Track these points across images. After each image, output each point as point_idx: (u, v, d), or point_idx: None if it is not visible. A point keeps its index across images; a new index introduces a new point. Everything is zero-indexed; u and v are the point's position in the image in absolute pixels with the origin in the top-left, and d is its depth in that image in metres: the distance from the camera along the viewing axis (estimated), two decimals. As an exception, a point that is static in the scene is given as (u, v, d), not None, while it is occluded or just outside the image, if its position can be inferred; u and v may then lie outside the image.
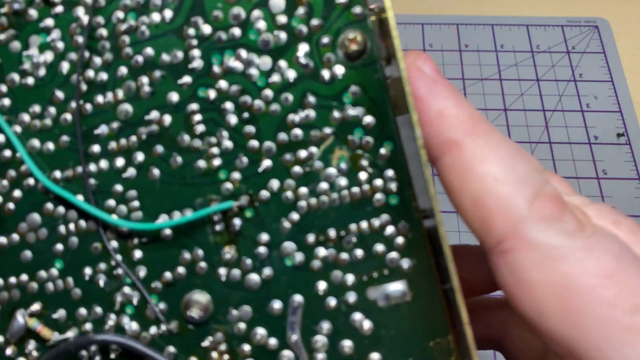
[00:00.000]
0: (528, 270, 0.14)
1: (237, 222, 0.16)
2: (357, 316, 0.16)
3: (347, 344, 0.16)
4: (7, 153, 0.17)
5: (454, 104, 0.15)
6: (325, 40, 0.16)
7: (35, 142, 0.17)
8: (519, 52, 0.47)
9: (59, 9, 0.16)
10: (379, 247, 0.16)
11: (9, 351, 0.17)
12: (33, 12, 0.16)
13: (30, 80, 0.16)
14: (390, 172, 0.16)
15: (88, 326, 0.17)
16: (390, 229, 0.16)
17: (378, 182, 0.16)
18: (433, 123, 0.15)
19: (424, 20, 0.48)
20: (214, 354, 0.16)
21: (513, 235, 0.14)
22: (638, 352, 0.13)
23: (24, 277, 0.17)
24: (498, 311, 0.20)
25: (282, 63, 0.16)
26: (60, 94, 0.16)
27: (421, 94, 0.15)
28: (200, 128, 0.16)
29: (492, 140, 0.15)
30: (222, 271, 0.16)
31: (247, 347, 0.16)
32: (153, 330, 0.16)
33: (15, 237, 0.17)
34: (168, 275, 0.16)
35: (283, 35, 0.16)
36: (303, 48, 0.16)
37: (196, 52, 0.16)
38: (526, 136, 0.43)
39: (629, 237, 0.15)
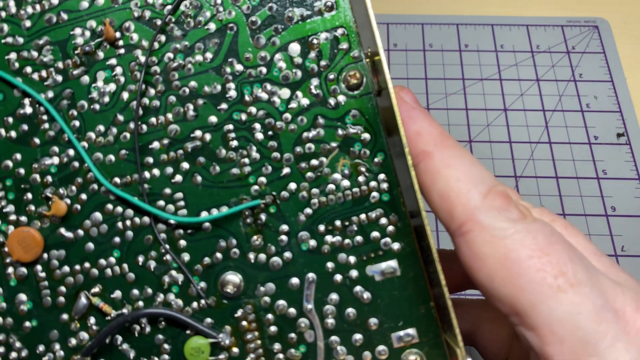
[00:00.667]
0: (481, 246, 0.18)
1: (263, 216, 0.20)
2: (358, 288, 0.20)
3: (351, 311, 0.20)
4: (76, 164, 0.21)
5: (428, 125, 0.20)
6: (331, 76, 0.20)
7: (99, 155, 0.21)
8: (519, 52, 0.46)
9: (121, 50, 0.21)
10: (375, 234, 0.20)
11: (72, 326, 0.21)
12: (100, 53, 0.21)
13: (96, 106, 0.21)
14: (382, 176, 0.20)
15: (140, 303, 0.20)
16: (383, 220, 0.20)
17: (373, 183, 0.20)
18: (412, 139, 0.20)
19: (424, 20, 0.48)
20: (244, 323, 0.20)
21: (469, 220, 0.18)
22: (561, 305, 0.17)
23: (87, 264, 0.21)
24: (470, 309, 0.24)
25: (299, 93, 0.20)
26: (120, 117, 0.21)
27: (403, 118, 0.20)
28: (234, 143, 0.20)
29: (455, 152, 0.20)
30: (251, 256, 0.20)
31: (271, 316, 0.20)
32: (194, 305, 0.20)
33: (80, 232, 0.21)
34: (207, 259, 0.20)
35: (299, 72, 0.20)
36: (314, 82, 0.20)
37: (231, 85, 0.21)
38: (526, 136, 0.43)
39: (561, 230, 0.19)
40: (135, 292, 0.20)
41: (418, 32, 0.48)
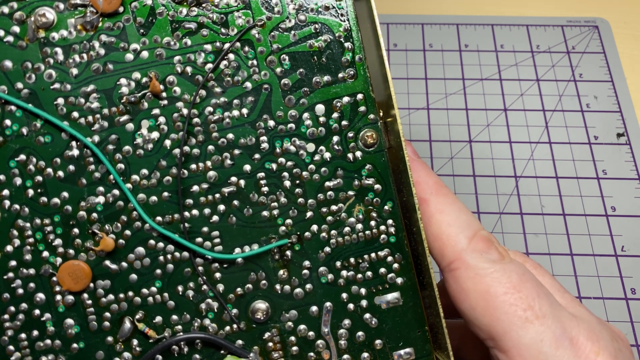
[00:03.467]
0: (466, 282, 0.22)
1: (289, 253, 0.24)
2: (368, 315, 0.24)
3: (361, 334, 0.24)
4: (121, 203, 0.23)
5: (425, 175, 0.24)
6: (351, 134, 0.24)
7: (143, 196, 0.23)
8: (519, 52, 0.46)
9: (165, 102, 0.23)
10: (382, 270, 0.24)
11: (117, 347, 0.23)
12: (145, 104, 0.23)
13: (140, 152, 0.23)
14: (390, 221, 0.24)
15: (179, 328, 0.23)
16: (389, 258, 0.24)
17: (382, 227, 0.24)
18: None
19: (424, 20, 0.48)
20: (270, 344, 0.24)
21: (457, 259, 0.23)
22: (528, 333, 0.21)
23: (130, 293, 0.23)
24: (456, 330, 0.28)
25: (322, 148, 0.24)
26: (163, 162, 0.23)
27: (410, 170, 0.23)
28: (265, 189, 0.24)
29: (448, 199, 0.24)
30: (278, 287, 0.24)
31: (293, 338, 0.24)
32: (227, 328, 0.24)
33: (125, 264, 0.23)
34: (239, 290, 0.24)
35: (323, 130, 0.24)
36: (336, 139, 0.24)
37: (264, 138, 0.23)
38: (526, 136, 0.43)
39: (532, 269, 0.24)
40: (175, 317, 0.23)
41: (418, 32, 0.47)
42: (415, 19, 0.48)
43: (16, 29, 0.22)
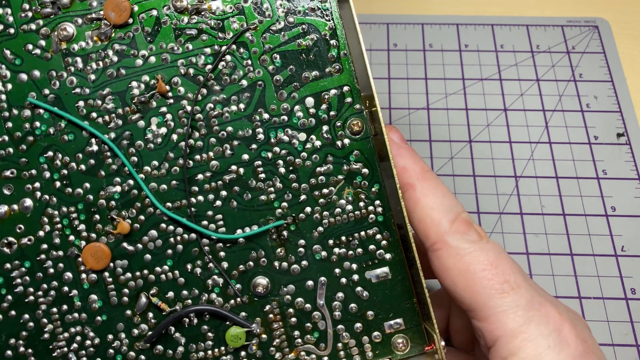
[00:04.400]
0: (447, 260, 0.24)
1: (285, 233, 0.26)
2: (359, 288, 0.26)
3: (353, 306, 0.26)
4: (135, 192, 0.26)
5: (411, 162, 0.26)
6: (339, 123, 0.26)
7: (154, 184, 0.26)
8: (519, 52, 0.46)
9: (171, 100, 0.26)
10: (372, 247, 0.26)
11: (135, 320, 0.26)
12: (154, 103, 0.26)
13: (151, 145, 0.26)
14: (377, 202, 0.26)
15: (189, 302, 0.26)
16: (378, 236, 0.26)
17: (371, 208, 0.26)
18: (399, 173, 0.26)
19: (424, 20, 0.48)
20: (271, 316, 0.26)
21: (439, 240, 0.25)
22: (505, 302, 0.23)
23: (145, 271, 0.26)
24: (443, 296, 0.30)
25: (313, 137, 0.26)
26: (171, 154, 0.26)
27: (392, 155, 0.26)
28: (262, 176, 0.26)
29: (432, 184, 0.26)
30: (276, 263, 0.26)
31: (291, 310, 0.26)
32: (232, 302, 0.26)
33: (140, 246, 0.26)
34: (242, 267, 0.26)
35: (313, 120, 0.26)
36: (325, 128, 0.26)
37: (260, 130, 0.26)
38: (526, 136, 0.42)
39: None
40: (185, 292, 0.26)
41: (418, 32, 0.47)
42: (415, 19, 0.48)
43: (42, 42, 0.26)
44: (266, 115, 0.26)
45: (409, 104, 0.45)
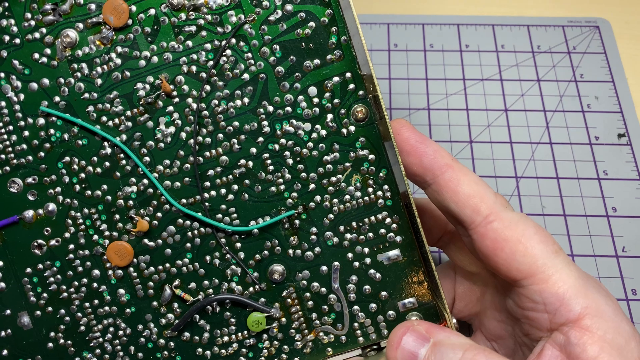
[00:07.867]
0: (503, 231, 0.25)
1: (297, 222, 0.27)
2: (372, 271, 0.27)
3: (367, 287, 0.27)
4: (151, 190, 0.27)
5: (438, 146, 0.26)
6: (343, 111, 0.26)
7: (168, 182, 0.27)
8: (520, 53, 0.46)
9: (176, 99, 0.26)
10: (382, 230, 0.27)
11: (162, 310, 0.28)
12: (160, 103, 0.26)
13: (161, 145, 0.27)
14: (386, 187, 0.27)
15: (210, 291, 0.27)
16: (388, 220, 0.27)
17: (379, 193, 0.27)
18: (432, 156, 0.26)
19: (425, 20, 0.48)
20: (289, 300, 0.27)
21: (492, 213, 0.25)
22: (559, 260, 0.24)
23: (167, 265, 0.27)
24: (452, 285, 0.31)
25: (318, 126, 0.26)
26: (182, 152, 0.27)
27: (414, 143, 0.26)
28: (271, 168, 0.27)
29: (462, 165, 0.26)
30: (290, 251, 0.27)
31: (308, 294, 0.27)
32: (251, 289, 0.27)
33: (160, 241, 0.27)
34: (258, 256, 0.27)
35: (317, 110, 0.26)
36: (330, 116, 0.26)
37: (265, 123, 0.26)
38: (527, 137, 0.42)
39: None
40: (206, 282, 0.27)
41: (419, 32, 0.48)
42: (416, 19, 0.48)
43: (48, 50, 0.26)
44: (270, 108, 0.26)
45: (410, 104, 0.44)
